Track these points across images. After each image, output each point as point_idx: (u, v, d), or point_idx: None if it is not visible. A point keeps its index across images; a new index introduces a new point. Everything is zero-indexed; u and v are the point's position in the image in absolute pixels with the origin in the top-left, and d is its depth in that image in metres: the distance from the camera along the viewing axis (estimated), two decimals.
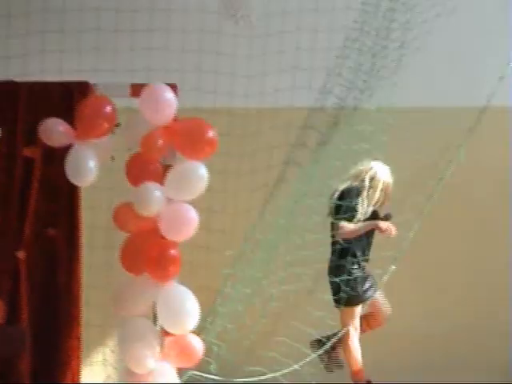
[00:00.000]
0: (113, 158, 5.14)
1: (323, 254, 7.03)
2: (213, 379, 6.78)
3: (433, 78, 7.59)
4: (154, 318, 4.93)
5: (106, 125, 4.93)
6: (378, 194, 6.68)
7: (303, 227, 6.74)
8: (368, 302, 6.72)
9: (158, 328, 4.94)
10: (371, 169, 6.74)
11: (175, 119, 4.93)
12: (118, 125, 5.03)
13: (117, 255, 5.03)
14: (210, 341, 6.44)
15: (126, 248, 4.93)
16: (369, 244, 6.79)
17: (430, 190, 6.72)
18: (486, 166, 7.77)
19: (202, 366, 6.09)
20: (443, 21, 6.86)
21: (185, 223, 4.89)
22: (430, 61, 7.22)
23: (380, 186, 6.70)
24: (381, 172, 6.74)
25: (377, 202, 6.71)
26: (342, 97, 6.69)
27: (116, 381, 6.98)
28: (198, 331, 5.56)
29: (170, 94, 4.90)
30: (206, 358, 6.04)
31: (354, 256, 6.64)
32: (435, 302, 7.72)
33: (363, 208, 6.66)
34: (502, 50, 7.65)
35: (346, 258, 6.62)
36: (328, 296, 6.73)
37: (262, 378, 6.75)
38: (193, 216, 4.89)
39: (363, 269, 6.71)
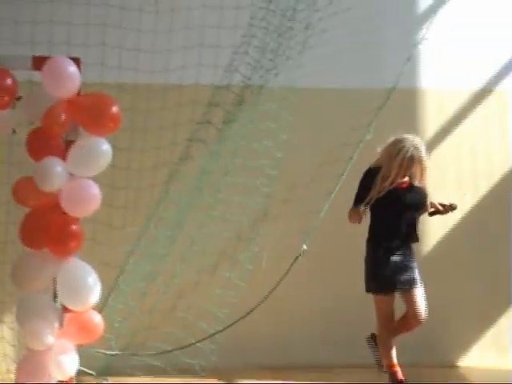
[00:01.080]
0: (14, 132, 5.04)
1: (228, 232, 7.07)
2: (113, 355, 6.77)
3: (339, 60, 7.63)
4: (54, 295, 4.88)
5: (6, 98, 4.81)
6: (395, 170, 6.21)
7: (207, 205, 6.76)
8: (400, 296, 6.36)
9: (58, 305, 4.88)
10: (389, 144, 6.32)
11: (78, 94, 4.86)
12: (19, 98, 4.92)
13: (17, 230, 4.96)
14: (112, 317, 6.42)
15: (26, 223, 4.84)
16: (398, 230, 6.34)
17: (339, 170, 6.78)
18: None
19: (102, 342, 6.08)
20: (349, 2, 6.96)
21: (87, 199, 4.82)
22: (335, 42, 7.26)
23: (398, 161, 6.20)
24: (396, 144, 6.26)
25: (395, 180, 6.21)
26: (247, 75, 6.69)
27: (14, 358, 6.90)
28: (100, 308, 5.54)
29: (73, 68, 4.81)
30: (107, 335, 6.02)
31: (379, 243, 6.35)
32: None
33: (375, 189, 6.27)
34: (408, 31, 7.81)
35: (370, 244, 6.39)
36: (230, 273, 6.77)
37: (163, 353, 6.79)
38: (95, 192, 4.82)
39: (395, 258, 6.32)
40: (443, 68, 7.97)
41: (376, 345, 6.46)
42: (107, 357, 6.80)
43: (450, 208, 6.53)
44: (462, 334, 7.94)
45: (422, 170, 6.32)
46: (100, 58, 6.71)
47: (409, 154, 6.24)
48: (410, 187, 6.39)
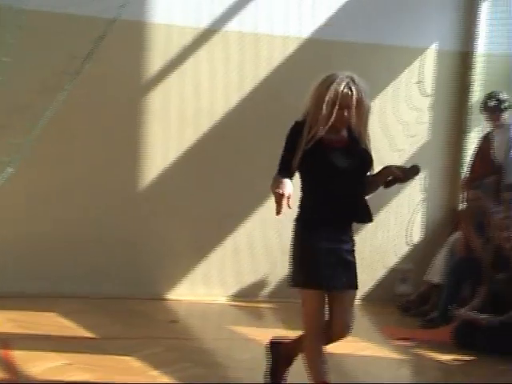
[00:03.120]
0: None
1: None
2: None
3: None
4: None
5: None
6: (325, 111, 4.70)
7: None
8: (328, 297, 4.90)
9: None
10: (318, 82, 4.83)
11: None
12: None
13: None
14: None
15: None
16: (332, 205, 4.81)
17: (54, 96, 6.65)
18: (120, 74, 7.88)
19: None
20: None
21: None
22: None
23: (329, 97, 4.72)
24: (327, 79, 4.79)
25: (324, 123, 4.72)
26: None
27: None
28: None
29: None
30: None
31: (308, 222, 4.90)
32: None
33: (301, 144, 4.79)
34: None
35: (298, 224, 4.96)
36: None
37: None
38: None
39: (329, 245, 4.82)
40: (172, 3, 7.98)
41: (272, 355, 5.33)
42: None
43: (412, 173, 4.95)
44: (171, 267, 8.14)
45: (362, 115, 4.79)
46: None
47: (342, 86, 4.73)
48: (348, 146, 4.88)
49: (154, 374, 5.83)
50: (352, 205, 4.87)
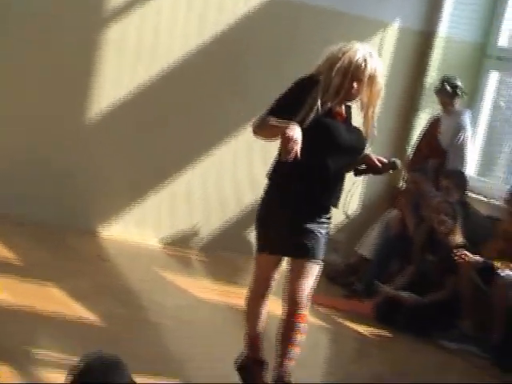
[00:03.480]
0: None
1: None
2: None
3: None
4: None
5: None
6: (338, 80, 4.45)
7: None
8: (288, 265, 4.74)
9: None
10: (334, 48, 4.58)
11: None
12: None
13: None
14: None
15: None
16: (318, 178, 4.57)
17: None
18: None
19: None
20: None
21: None
22: None
23: (343, 67, 4.47)
24: (343, 47, 4.57)
25: (336, 94, 4.48)
26: None
27: None
28: None
29: None
30: None
31: (284, 188, 4.63)
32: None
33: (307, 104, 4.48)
34: None
35: (271, 186, 4.72)
36: None
37: None
38: None
39: (298, 216, 4.60)
40: None
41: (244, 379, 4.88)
42: None
43: (390, 167, 4.81)
44: (108, 204, 8.14)
45: (373, 94, 4.55)
46: None
47: (357, 57, 4.47)
48: (348, 123, 4.65)
49: (75, 306, 5.86)
50: (335, 185, 4.67)
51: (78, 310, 5.76)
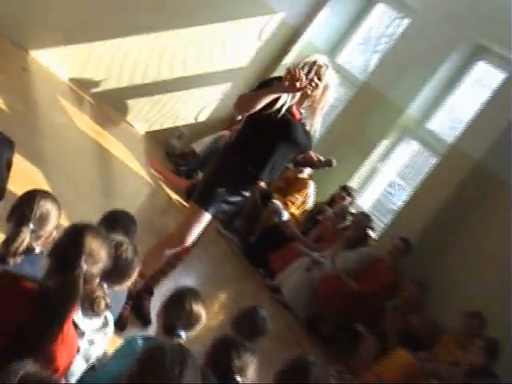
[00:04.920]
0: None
1: None
2: None
3: None
4: None
5: None
6: (302, 77, 4.66)
7: None
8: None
9: None
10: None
11: None
12: None
13: None
14: None
15: None
16: (263, 160, 4.96)
17: None
18: None
19: None
20: None
21: None
22: None
23: (307, 67, 4.85)
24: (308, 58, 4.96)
25: (299, 88, 4.69)
26: None
27: None
28: None
29: None
30: None
31: (236, 155, 5.01)
32: None
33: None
34: None
35: (228, 149, 5.13)
36: None
37: None
38: None
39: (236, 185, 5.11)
40: None
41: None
42: None
43: (326, 164, 5.20)
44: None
45: (323, 103, 4.87)
46: None
47: (324, 61, 4.86)
48: (302, 123, 4.97)
49: None
50: (264, 168, 4.93)
51: None
